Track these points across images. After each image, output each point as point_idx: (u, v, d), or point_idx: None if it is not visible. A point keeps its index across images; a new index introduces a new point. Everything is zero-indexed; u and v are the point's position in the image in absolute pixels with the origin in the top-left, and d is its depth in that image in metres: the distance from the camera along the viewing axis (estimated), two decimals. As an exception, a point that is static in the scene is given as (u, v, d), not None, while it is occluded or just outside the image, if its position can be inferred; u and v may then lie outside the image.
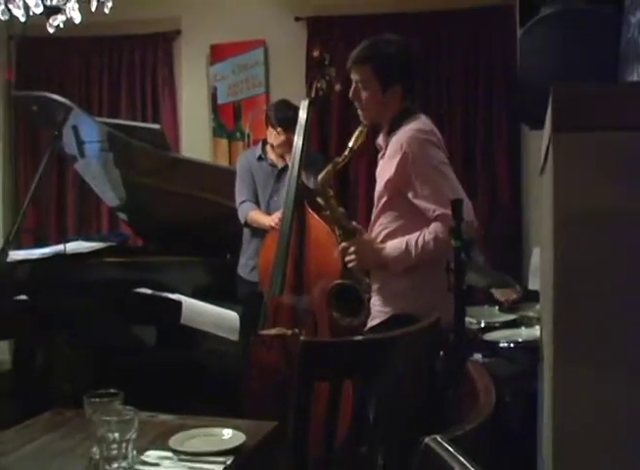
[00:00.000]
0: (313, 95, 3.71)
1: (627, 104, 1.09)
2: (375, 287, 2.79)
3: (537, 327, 3.18)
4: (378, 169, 2.82)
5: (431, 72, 5.28)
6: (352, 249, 2.73)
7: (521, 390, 2.94)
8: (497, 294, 4.16)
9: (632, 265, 1.06)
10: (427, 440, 1.15)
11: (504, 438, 2.63)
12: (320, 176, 2.84)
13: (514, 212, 5.14)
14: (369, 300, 2.84)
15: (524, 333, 3.38)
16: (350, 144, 2.78)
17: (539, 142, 1.99)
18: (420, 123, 2.69)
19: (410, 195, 2.63)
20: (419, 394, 1.81)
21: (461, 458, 1.06)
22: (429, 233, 2.57)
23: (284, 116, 4.04)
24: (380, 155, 2.84)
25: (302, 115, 3.72)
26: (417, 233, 2.59)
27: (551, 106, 1.08)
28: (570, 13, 2.70)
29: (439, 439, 1.15)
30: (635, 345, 1.07)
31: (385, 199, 2.72)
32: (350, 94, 2.80)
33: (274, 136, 4.16)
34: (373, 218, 2.81)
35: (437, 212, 2.55)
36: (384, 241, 2.70)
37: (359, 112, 2.81)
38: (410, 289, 2.66)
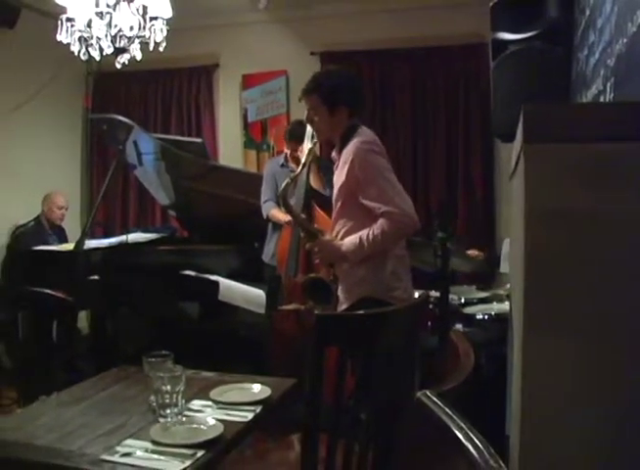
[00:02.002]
0: None
1: (581, 121, 1.07)
2: (340, 278, 2.70)
3: (507, 303, 3.16)
4: (334, 178, 2.72)
5: (419, 98, 5.26)
6: (316, 248, 2.66)
7: (493, 353, 2.92)
8: (468, 252, 4.13)
9: (586, 254, 1.05)
10: (418, 394, 1.14)
11: (479, 392, 2.61)
12: (281, 189, 2.76)
13: (488, 210, 5.11)
14: (337, 289, 2.75)
15: (495, 307, 3.36)
16: (303, 160, 2.73)
17: (509, 152, 1.96)
18: (364, 136, 2.59)
19: (360, 197, 2.53)
20: (411, 356, 1.79)
21: (447, 409, 1.05)
22: (377, 228, 2.47)
23: (298, 132, 4.06)
24: (335, 166, 2.74)
25: (309, 129, 3.75)
26: (367, 229, 2.50)
27: (522, 121, 1.06)
28: (531, 50, 2.68)
29: (429, 393, 1.13)
30: (586, 315, 1.05)
31: (340, 202, 2.63)
32: (305, 119, 2.75)
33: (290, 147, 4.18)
34: (333, 219, 2.71)
35: (382, 210, 2.46)
36: (343, 238, 2.61)
37: (314, 132, 2.76)
38: (367, 276, 2.57)
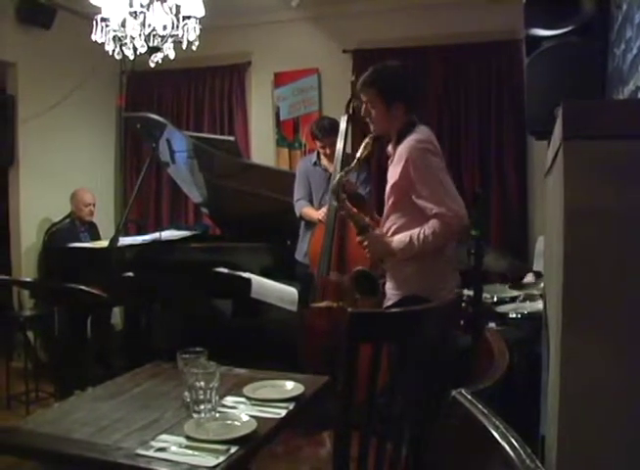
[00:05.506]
0: (350, 112, 3.76)
1: (623, 118, 1.05)
2: (388, 274, 2.71)
3: (540, 301, 3.12)
4: (388, 174, 2.72)
5: (452, 95, 5.21)
6: (365, 242, 2.66)
7: (526, 351, 2.89)
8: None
9: (627, 254, 1.03)
10: (453, 392, 1.13)
11: (512, 391, 2.58)
12: (333, 183, 2.78)
13: (521, 207, 5.04)
14: (384, 284, 2.76)
15: (528, 306, 3.33)
16: (358, 154, 2.71)
17: (542, 150, 1.94)
18: (420, 134, 2.59)
19: (413, 196, 2.54)
20: (445, 354, 1.77)
21: (482, 408, 1.04)
22: (428, 228, 2.49)
23: (327, 129, 4.08)
24: (389, 161, 2.74)
25: (342, 126, 3.77)
26: (419, 228, 2.51)
27: (561, 118, 1.04)
28: (566, 46, 2.64)
29: (464, 391, 1.12)
30: (626, 315, 1.04)
31: (392, 199, 2.64)
32: (362, 112, 2.73)
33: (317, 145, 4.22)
34: (384, 215, 2.72)
35: (435, 211, 2.47)
36: (394, 234, 2.62)
37: (370, 126, 2.73)
38: (416, 274, 2.58)
